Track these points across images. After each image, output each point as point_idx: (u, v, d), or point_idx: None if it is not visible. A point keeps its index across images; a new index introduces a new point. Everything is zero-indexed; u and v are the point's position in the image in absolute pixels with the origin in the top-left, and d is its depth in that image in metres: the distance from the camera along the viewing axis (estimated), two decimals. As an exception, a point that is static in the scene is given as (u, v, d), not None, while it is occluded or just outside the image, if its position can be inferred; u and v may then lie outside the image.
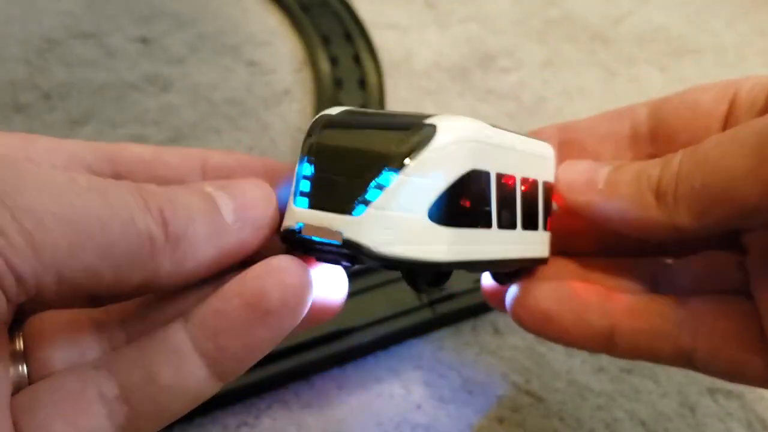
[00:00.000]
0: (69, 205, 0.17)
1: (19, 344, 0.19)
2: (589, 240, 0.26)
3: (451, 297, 0.33)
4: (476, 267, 0.22)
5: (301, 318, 0.19)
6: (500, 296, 0.25)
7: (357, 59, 0.43)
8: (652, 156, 0.23)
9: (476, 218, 0.20)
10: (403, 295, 0.32)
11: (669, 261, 0.26)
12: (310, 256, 0.20)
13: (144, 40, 0.43)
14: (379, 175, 0.18)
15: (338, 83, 0.42)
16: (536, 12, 0.48)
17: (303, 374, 0.31)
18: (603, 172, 0.23)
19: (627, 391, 0.31)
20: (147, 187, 0.18)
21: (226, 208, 0.19)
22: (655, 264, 0.26)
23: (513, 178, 0.21)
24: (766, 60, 0.46)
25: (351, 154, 0.19)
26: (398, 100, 0.42)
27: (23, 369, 0.19)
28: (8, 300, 0.16)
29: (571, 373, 0.31)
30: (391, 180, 0.18)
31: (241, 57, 0.43)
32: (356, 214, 0.18)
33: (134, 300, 0.20)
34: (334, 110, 0.20)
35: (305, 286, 0.19)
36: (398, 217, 0.18)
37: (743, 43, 0.47)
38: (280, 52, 0.44)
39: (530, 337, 0.32)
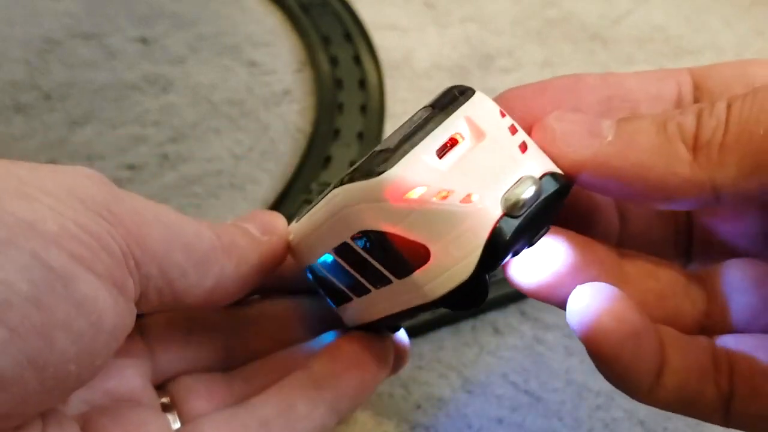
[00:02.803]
0: (156, 210, 0.20)
1: (167, 398, 0.24)
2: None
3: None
4: (371, 327, 0.24)
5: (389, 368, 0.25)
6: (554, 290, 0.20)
7: (357, 59, 0.43)
8: None
9: (340, 297, 0.23)
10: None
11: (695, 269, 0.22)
12: None
13: (144, 41, 0.44)
14: None
15: (338, 83, 0.42)
16: (535, 12, 0.48)
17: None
18: (606, 123, 0.19)
19: (626, 390, 0.31)
20: None
21: (252, 228, 0.23)
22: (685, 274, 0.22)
23: (331, 255, 0.22)
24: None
25: None
26: (398, 100, 0.42)
27: (176, 418, 0.24)
28: (134, 283, 0.19)
29: (570, 372, 0.31)
30: None
31: (241, 57, 0.43)
32: None
33: (251, 366, 0.25)
34: None
35: (390, 344, 0.25)
36: None
37: (742, 43, 0.47)
38: (280, 52, 0.44)
39: (529, 337, 0.33)
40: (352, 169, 0.20)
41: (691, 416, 0.20)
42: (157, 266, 0.20)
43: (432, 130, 0.19)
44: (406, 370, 0.31)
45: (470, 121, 0.19)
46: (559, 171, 0.20)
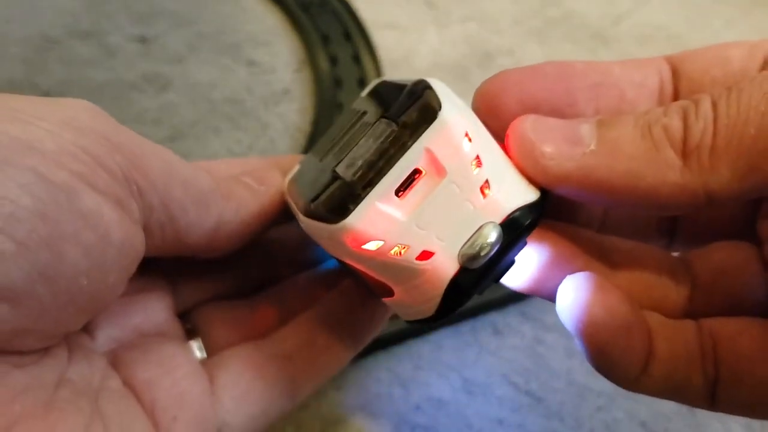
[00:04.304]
0: (154, 147, 0.20)
1: (190, 325, 0.25)
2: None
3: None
4: None
5: None
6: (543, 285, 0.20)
7: (356, 59, 0.43)
8: None
9: None
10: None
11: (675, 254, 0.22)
12: None
13: (143, 39, 0.43)
14: None
15: (338, 83, 0.41)
16: (536, 11, 0.48)
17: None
18: (585, 128, 0.18)
19: (626, 391, 0.31)
20: None
21: (249, 180, 0.23)
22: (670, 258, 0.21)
23: None
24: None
25: None
26: (398, 99, 0.42)
27: (201, 347, 0.24)
28: (137, 208, 0.19)
29: (571, 373, 0.31)
30: None
31: (240, 56, 0.43)
32: None
33: (270, 291, 0.26)
34: None
35: None
36: None
37: (743, 42, 0.47)
38: (280, 51, 0.44)
39: (529, 337, 0.32)
40: (317, 192, 0.18)
41: (678, 402, 0.20)
42: (158, 198, 0.20)
43: (391, 164, 0.17)
44: (406, 370, 0.31)
45: (431, 155, 0.18)
46: (531, 199, 0.19)
